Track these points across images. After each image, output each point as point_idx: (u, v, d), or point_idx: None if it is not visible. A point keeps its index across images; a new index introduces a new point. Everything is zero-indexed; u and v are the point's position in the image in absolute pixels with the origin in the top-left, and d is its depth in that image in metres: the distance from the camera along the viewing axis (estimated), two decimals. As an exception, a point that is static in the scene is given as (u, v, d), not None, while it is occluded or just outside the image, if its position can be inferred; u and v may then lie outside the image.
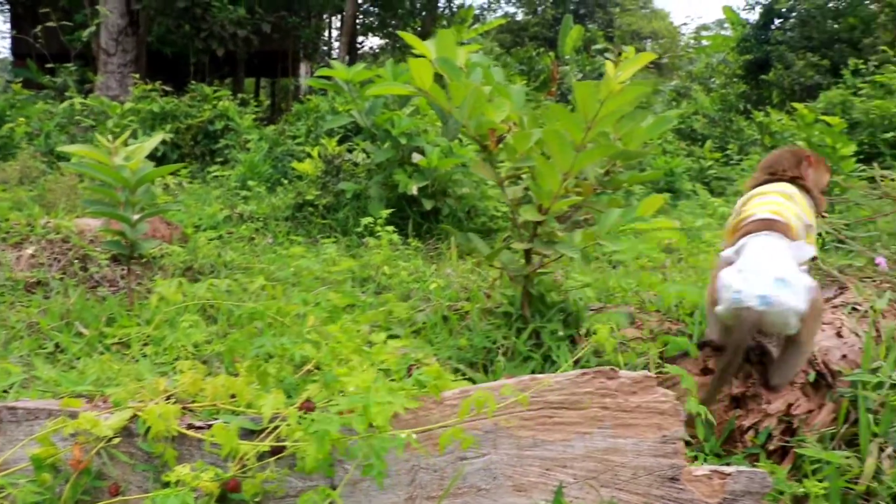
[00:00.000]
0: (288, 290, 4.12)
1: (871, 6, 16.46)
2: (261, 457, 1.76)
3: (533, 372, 3.05)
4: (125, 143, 3.67)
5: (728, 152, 10.37)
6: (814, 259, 2.76)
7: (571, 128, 2.76)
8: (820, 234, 4.99)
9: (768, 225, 2.61)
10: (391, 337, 3.56)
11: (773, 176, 3.05)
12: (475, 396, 1.61)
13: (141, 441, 1.83)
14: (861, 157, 9.59)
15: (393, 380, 1.75)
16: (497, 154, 3.21)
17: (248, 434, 1.82)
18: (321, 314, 3.32)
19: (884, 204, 5.14)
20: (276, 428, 1.76)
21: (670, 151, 9.63)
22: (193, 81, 11.53)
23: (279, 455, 1.74)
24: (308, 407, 1.71)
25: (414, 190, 5.98)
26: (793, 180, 3.00)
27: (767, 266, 2.37)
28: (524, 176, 3.35)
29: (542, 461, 1.76)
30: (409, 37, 3.18)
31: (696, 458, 2.31)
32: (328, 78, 6.09)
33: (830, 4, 16.65)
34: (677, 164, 8.77)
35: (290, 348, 2.11)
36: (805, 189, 2.97)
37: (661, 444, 1.76)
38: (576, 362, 3.09)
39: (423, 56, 3.12)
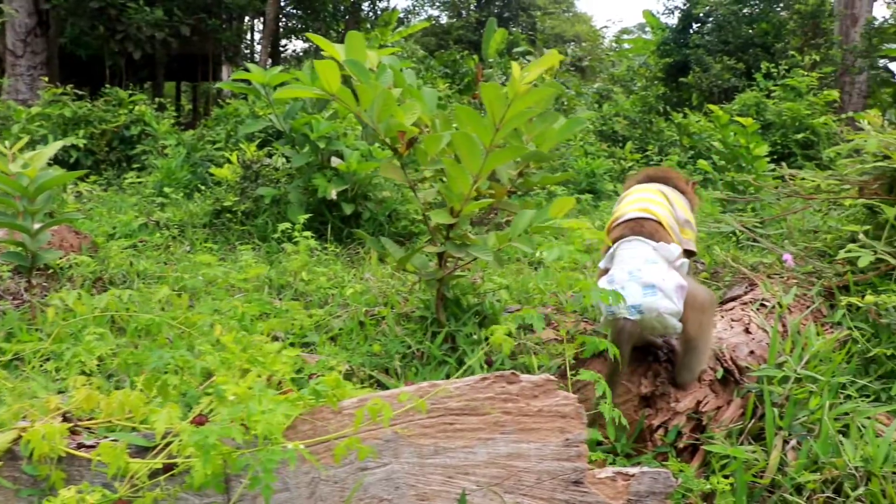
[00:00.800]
0: (202, 298, 4.01)
1: (782, 13, 17.01)
2: (154, 474, 1.69)
3: (448, 376, 3.03)
4: (27, 149, 3.52)
5: (648, 153, 10.55)
6: (692, 255, 2.81)
7: (480, 130, 2.74)
8: (734, 233, 5.10)
9: (638, 225, 2.66)
10: (305, 345, 3.51)
11: (650, 179, 3.10)
12: (370, 405, 1.56)
13: (25, 464, 1.73)
14: (774, 157, 9.89)
15: (283, 391, 1.69)
16: (409, 157, 3.19)
17: (143, 451, 1.75)
18: (229, 323, 3.23)
19: (793, 202, 5.27)
20: (168, 444, 1.69)
21: (592, 153, 9.74)
22: (108, 85, 11.19)
23: (171, 472, 1.67)
24: (200, 421, 1.64)
25: (333, 194, 5.90)
26: (668, 180, 3.06)
27: (636, 274, 2.42)
28: (437, 179, 3.33)
29: (444, 469, 1.72)
30: (318, 39, 3.12)
31: (606, 460, 2.31)
32: (246, 81, 5.98)
33: (745, 10, 17.12)
34: (598, 165, 8.88)
35: (191, 360, 2.03)
36: (680, 189, 3.02)
37: (565, 448, 1.74)
38: (489, 364, 3.08)
39: (332, 59, 3.08)
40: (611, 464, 2.21)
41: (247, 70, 5.58)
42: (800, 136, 10.43)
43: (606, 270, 2.59)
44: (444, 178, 3.10)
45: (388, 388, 2.78)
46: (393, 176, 3.07)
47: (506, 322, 2.30)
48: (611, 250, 2.62)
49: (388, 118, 2.98)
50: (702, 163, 7.69)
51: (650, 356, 2.47)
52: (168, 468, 1.68)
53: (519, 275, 4.94)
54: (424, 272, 3.32)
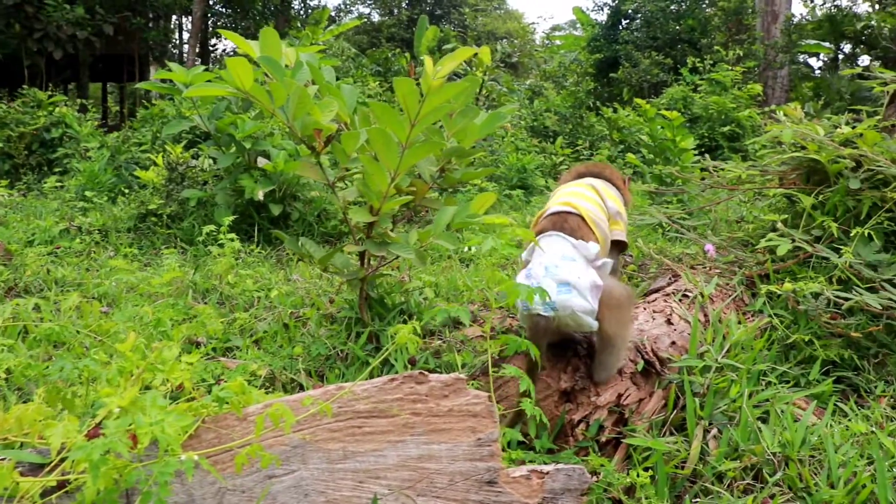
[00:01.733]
0: (122, 305, 3.89)
1: (707, 9, 17.33)
2: (48, 492, 1.61)
3: (371, 377, 2.99)
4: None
5: (578, 148, 10.62)
6: (624, 246, 2.83)
7: (396, 126, 2.70)
8: (661, 225, 5.16)
9: (561, 220, 2.65)
10: (229, 349, 3.43)
11: (582, 175, 3.10)
12: (271, 410, 1.51)
13: None
14: (703, 149, 10.06)
15: (182, 399, 1.63)
16: (334, 155, 3.13)
17: (39, 468, 1.66)
18: (146, 331, 3.14)
19: (717, 193, 5.35)
20: (63, 460, 1.60)
21: (523, 149, 9.76)
22: (25, 87, 10.81)
23: (64, 489, 1.58)
24: (94, 434, 1.56)
25: (260, 195, 5.79)
26: (601, 174, 3.07)
27: (552, 271, 2.40)
28: (357, 177, 3.28)
29: (354, 474, 1.68)
30: (231, 35, 3.04)
31: (525, 458, 2.29)
32: (168, 81, 5.82)
33: (672, 7, 17.41)
34: (529, 160, 8.90)
35: (95, 371, 1.94)
36: (614, 184, 3.03)
37: (477, 448, 1.71)
38: (412, 363, 3.04)
39: (246, 55, 3.01)
40: (531, 462, 2.19)
41: (169, 70, 5.44)
42: (726, 128, 10.63)
43: (527, 263, 2.57)
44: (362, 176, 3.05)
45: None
46: (311, 175, 3.01)
47: (431, 317, 2.26)
48: (531, 245, 2.60)
49: (303, 116, 2.92)
50: (630, 156, 7.77)
51: (570, 351, 2.46)
52: (62, 485, 1.60)
53: (448, 272, 4.91)
54: (347, 272, 3.27)
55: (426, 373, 1.72)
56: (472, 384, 2.42)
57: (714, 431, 2.54)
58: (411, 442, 1.69)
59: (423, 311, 3.54)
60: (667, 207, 5.77)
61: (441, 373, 3.05)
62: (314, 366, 3.18)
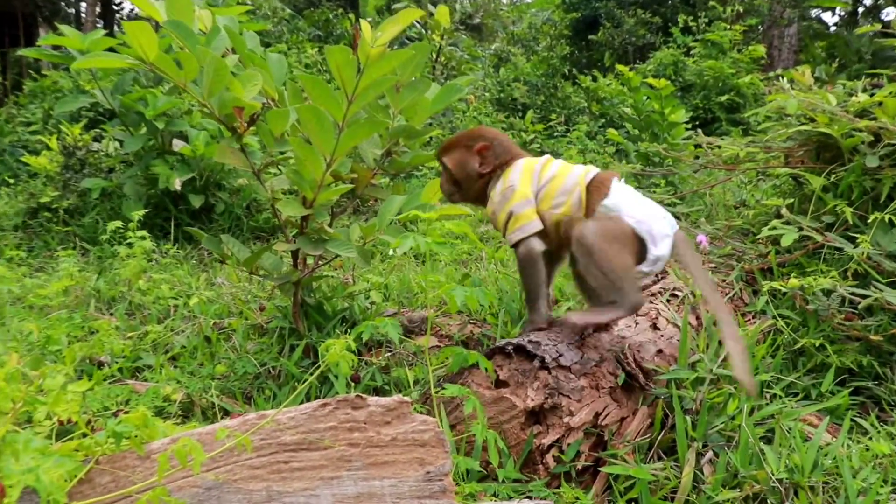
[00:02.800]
0: (4, 320, 3.82)
1: (702, -44, 17.43)
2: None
3: (308, 398, 2.97)
4: None
5: (552, 123, 10.65)
6: None
7: (330, 103, 2.67)
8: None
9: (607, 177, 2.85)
10: (139, 370, 3.38)
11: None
12: (177, 447, 1.48)
13: None
14: (696, 123, 10.14)
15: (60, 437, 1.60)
16: (260, 138, 3.11)
17: None
18: (33, 352, 3.08)
19: (711, 174, 5.40)
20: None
21: (487, 125, 9.77)
22: None
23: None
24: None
25: (177, 185, 5.73)
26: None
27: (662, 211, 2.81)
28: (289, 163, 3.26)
29: (281, 518, 1.66)
30: (132, -5, 2.99)
31: (486, 491, 2.28)
32: (63, 48, 5.74)
33: (660, -45, 17.49)
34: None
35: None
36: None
37: (426, 483, 1.70)
38: (356, 380, 3.03)
39: (150, 19, 2.97)
40: (493, 496, 2.19)
41: (60, 34, 5.34)
42: (724, 98, 10.71)
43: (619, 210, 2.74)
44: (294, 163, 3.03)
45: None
46: (232, 161, 2.97)
47: (357, 334, 2.25)
48: (612, 196, 2.76)
49: (221, 92, 2.89)
50: (612, 132, 7.80)
51: (536, 360, 2.46)
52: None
53: (400, 271, 4.91)
54: (278, 275, 3.24)
55: (364, 396, 1.71)
56: (419, 408, 2.41)
57: (709, 455, 2.55)
58: (348, 478, 1.67)
59: (370, 318, 3.53)
60: (654, 191, 5.81)
61: (390, 392, 3.06)
62: (240, 386, 3.15)
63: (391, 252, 2.65)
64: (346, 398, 1.70)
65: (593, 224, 2.69)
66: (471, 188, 2.97)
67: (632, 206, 2.73)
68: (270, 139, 2.97)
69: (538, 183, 2.86)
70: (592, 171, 2.86)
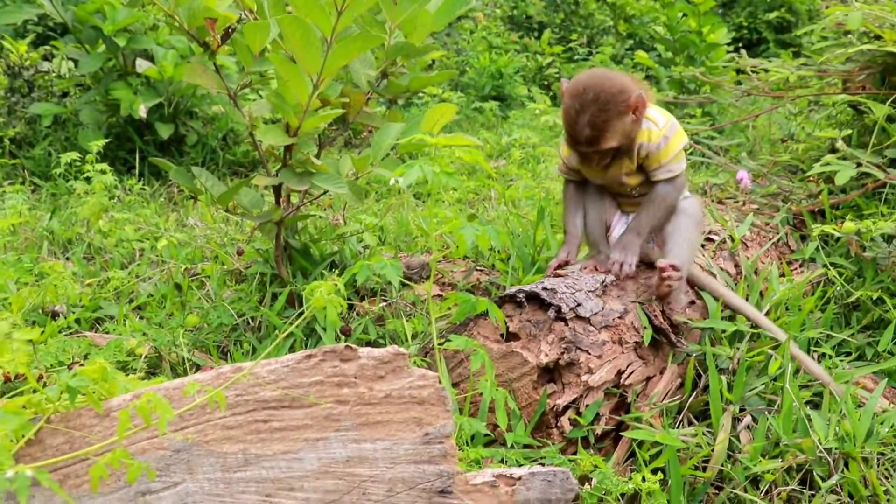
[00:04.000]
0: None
1: None
2: None
3: (292, 351, 2.99)
4: None
5: (573, 45, 10.54)
6: None
7: (317, 14, 2.65)
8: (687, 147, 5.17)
9: None
10: (99, 321, 3.40)
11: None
12: (140, 403, 1.49)
13: None
14: (739, 44, 10.03)
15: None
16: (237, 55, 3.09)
17: None
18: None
19: (756, 103, 5.36)
20: None
21: (498, 46, 9.66)
22: None
23: None
24: None
25: (142, 112, 5.69)
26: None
27: None
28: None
29: (259, 485, 1.67)
30: None
31: (492, 458, 2.30)
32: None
33: None
34: (506, 62, 8.82)
35: None
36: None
37: (424, 446, 1.71)
38: (346, 333, 3.04)
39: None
40: (500, 462, 2.20)
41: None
42: (772, 15, 10.60)
43: None
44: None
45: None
46: (204, 83, 2.97)
47: (351, 275, 2.25)
48: None
49: (190, 1, 2.87)
50: (641, 55, 7.76)
51: (551, 310, 2.46)
52: None
53: (397, 211, 4.91)
54: (258, 214, 3.24)
55: (354, 347, 1.71)
56: (418, 361, 2.42)
57: (747, 420, 2.56)
58: (336, 440, 1.69)
59: (363, 262, 3.53)
60: (688, 122, 5.77)
61: (383, 346, 3.06)
62: (215, 339, 3.17)
63: (392, 181, 2.65)
64: (335, 349, 1.71)
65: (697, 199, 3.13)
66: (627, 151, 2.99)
67: None
68: (248, 56, 2.95)
69: None
70: None
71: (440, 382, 1.73)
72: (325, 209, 4.65)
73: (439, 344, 2.11)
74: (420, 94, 8.23)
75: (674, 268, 2.76)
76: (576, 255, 3.05)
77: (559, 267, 2.95)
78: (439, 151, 2.28)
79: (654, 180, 2.96)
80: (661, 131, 2.93)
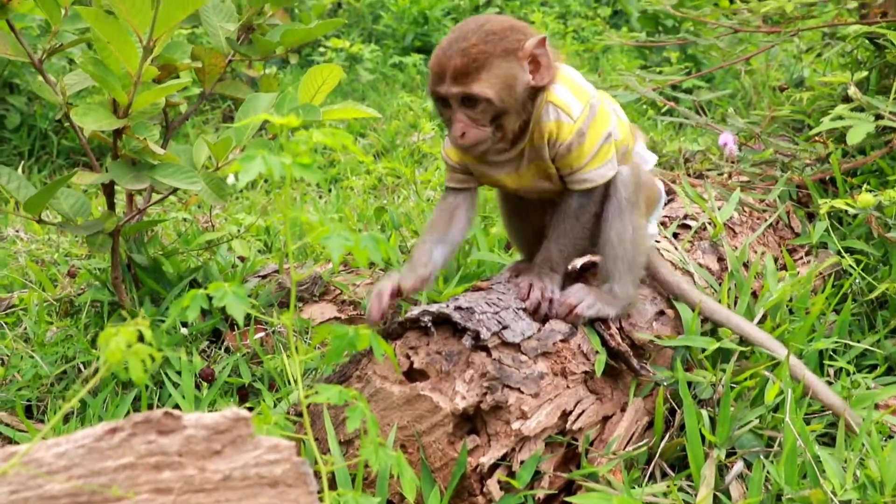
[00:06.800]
0: None
1: None
2: None
3: (134, 410, 2.91)
4: None
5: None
6: None
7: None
8: (651, 103, 5.14)
9: None
10: None
11: None
12: None
13: None
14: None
15: None
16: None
17: None
18: None
19: (748, 41, 5.34)
20: None
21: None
22: None
23: None
24: None
25: (-58, 88, 5.62)
26: None
27: None
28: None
29: None
30: None
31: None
32: None
33: None
34: (432, 3, 8.83)
35: None
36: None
37: (284, 548, 1.63)
38: (206, 378, 2.98)
39: None
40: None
41: None
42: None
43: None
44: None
45: (17, 444, 2.63)
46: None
47: (179, 312, 2.14)
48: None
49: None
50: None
51: (467, 337, 2.39)
52: None
53: (291, 205, 4.84)
54: (83, 223, 3.15)
55: (175, 413, 1.61)
56: (280, 424, 2.34)
57: (738, 467, 2.51)
58: (155, 551, 1.59)
59: (236, 279, 3.47)
60: (661, 71, 5.72)
61: (261, 393, 2.99)
62: (32, 395, 3.09)
63: (230, 180, 2.58)
64: (149, 418, 1.61)
65: (629, 170, 2.80)
66: (516, 121, 2.72)
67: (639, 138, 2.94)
68: (55, 11, 2.86)
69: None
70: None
71: (298, 455, 1.65)
72: (190, 208, 4.57)
73: (305, 396, 2.02)
74: (322, 51, 8.25)
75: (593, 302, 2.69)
76: (415, 287, 2.76)
77: (395, 296, 2.70)
78: (294, 136, 2.18)
79: (569, 188, 2.76)
80: (576, 125, 2.69)
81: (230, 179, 2.37)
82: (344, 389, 1.95)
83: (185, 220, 4.20)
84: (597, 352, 2.62)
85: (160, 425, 1.63)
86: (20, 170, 5.40)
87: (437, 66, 2.63)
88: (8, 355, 3.26)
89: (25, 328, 3.45)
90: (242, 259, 3.82)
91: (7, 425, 2.92)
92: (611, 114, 2.80)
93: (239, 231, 3.99)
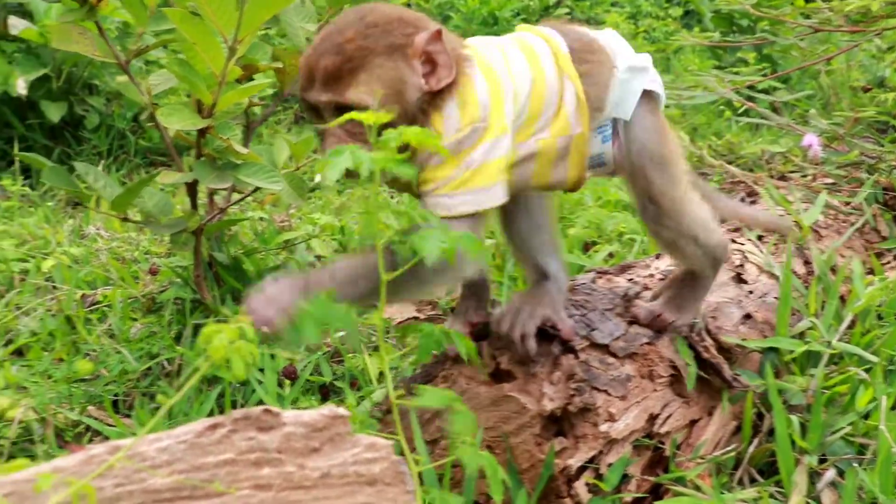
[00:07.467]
0: None
1: None
2: None
3: (221, 409, 2.93)
4: None
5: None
6: None
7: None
8: (728, 104, 5.11)
9: None
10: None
11: None
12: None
13: None
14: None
15: None
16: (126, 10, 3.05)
17: None
18: None
19: (830, 41, 5.30)
20: None
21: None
22: None
23: None
24: None
25: (21, 87, 5.65)
26: None
27: None
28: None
29: None
30: None
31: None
32: None
33: None
34: (501, 4, 8.82)
35: None
36: None
37: (380, 547, 1.64)
38: (289, 376, 2.99)
39: None
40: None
41: None
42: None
43: None
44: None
45: (109, 438, 2.67)
46: (79, 48, 2.93)
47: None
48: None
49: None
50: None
51: (555, 343, 2.40)
52: None
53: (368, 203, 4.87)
54: (166, 222, 3.19)
55: (275, 410, 1.63)
56: (369, 424, 2.34)
57: (830, 475, 2.48)
58: (254, 546, 1.61)
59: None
60: (738, 72, 5.70)
61: (343, 392, 3.01)
62: (119, 391, 3.12)
63: (315, 179, 2.56)
64: (249, 414, 1.63)
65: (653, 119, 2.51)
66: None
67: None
68: (141, 12, 2.90)
69: (516, 98, 2.38)
70: (555, 36, 2.48)
71: (395, 454, 1.66)
72: (266, 207, 4.60)
73: (398, 397, 2.02)
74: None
75: None
76: None
77: None
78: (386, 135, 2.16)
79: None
80: (461, 131, 2.24)
81: (317, 178, 2.35)
82: (442, 391, 1.97)
83: (261, 219, 4.22)
84: (688, 364, 2.59)
85: (260, 422, 1.65)
86: (100, 169, 5.45)
87: (304, 65, 2.26)
88: (96, 350, 3.31)
89: (110, 324, 3.50)
90: (320, 258, 3.84)
91: (96, 419, 2.95)
92: (491, 135, 2.26)
93: (314, 230, 4.01)
